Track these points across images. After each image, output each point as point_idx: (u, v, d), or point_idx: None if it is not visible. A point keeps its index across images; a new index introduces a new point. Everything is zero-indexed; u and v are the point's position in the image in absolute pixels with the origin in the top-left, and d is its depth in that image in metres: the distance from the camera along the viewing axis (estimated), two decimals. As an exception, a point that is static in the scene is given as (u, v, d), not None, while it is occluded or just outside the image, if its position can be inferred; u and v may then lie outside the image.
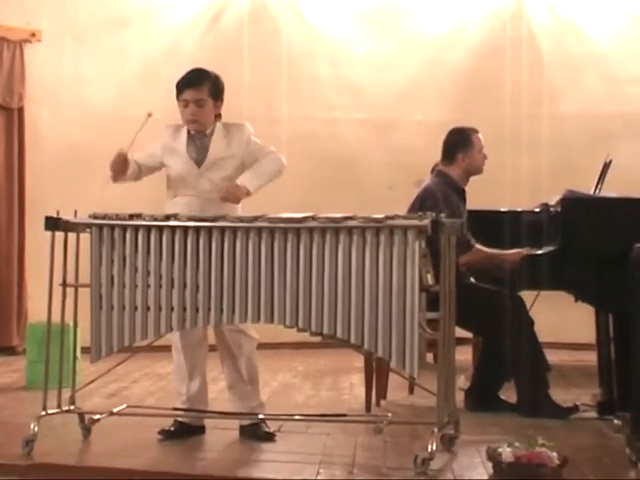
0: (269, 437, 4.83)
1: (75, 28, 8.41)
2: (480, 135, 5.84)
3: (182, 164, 4.90)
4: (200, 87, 4.85)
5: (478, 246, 5.67)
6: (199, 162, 4.88)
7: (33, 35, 8.20)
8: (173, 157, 4.93)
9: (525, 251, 5.71)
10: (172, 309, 4.49)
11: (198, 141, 4.91)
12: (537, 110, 8.70)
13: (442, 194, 5.62)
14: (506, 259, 5.68)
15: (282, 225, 4.36)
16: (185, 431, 4.89)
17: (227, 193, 4.79)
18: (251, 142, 4.93)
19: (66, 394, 4.78)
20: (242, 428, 4.93)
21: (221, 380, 5.24)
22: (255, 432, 4.86)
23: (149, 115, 4.82)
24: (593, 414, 5.43)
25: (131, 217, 4.55)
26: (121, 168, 4.86)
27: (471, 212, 5.82)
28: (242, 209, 4.92)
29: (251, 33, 8.73)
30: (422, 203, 5.55)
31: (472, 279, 5.71)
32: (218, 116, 4.96)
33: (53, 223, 4.60)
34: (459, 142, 5.80)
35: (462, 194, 5.80)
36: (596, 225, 5.52)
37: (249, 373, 4.93)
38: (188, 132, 4.93)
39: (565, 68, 8.81)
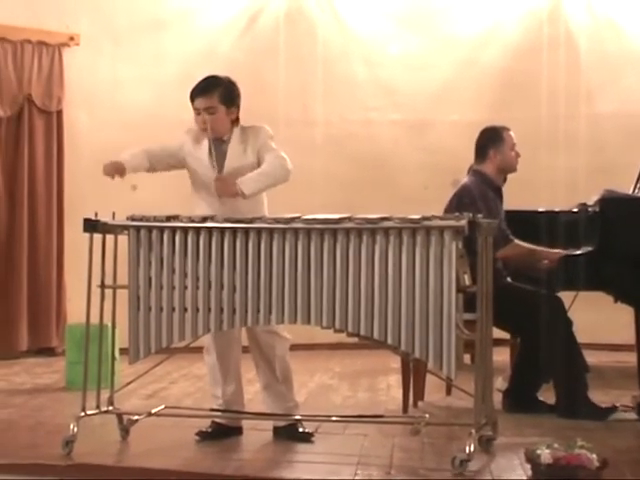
0: (306, 438, 4.84)
1: (113, 31, 8.46)
2: (512, 133, 5.82)
3: (204, 171, 4.90)
4: (210, 95, 4.84)
5: (517, 241, 5.64)
6: (220, 170, 4.88)
7: (71, 39, 8.27)
8: (195, 163, 4.93)
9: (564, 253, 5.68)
10: (209, 310, 4.51)
11: (218, 148, 4.90)
12: (574, 110, 8.65)
13: (479, 191, 5.62)
14: (547, 256, 5.64)
15: (319, 226, 4.37)
16: (222, 432, 4.90)
17: (218, 182, 4.76)
18: (264, 145, 4.88)
19: (105, 395, 4.81)
20: (276, 429, 4.94)
21: (257, 381, 5.24)
22: (291, 433, 4.87)
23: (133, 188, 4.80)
24: (633, 415, 5.38)
25: (168, 219, 4.57)
26: (117, 173, 4.82)
27: (508, 212, 5.80)
28: (271, 211, 4.92)
29: (287, 35, 8.75)
30: (459, 201, 5.55)
31: (509, 279, 5.69)
32: (236, 121, 4.95)
33: (91, 225, 4.64)
34: (490, 139, 5.79)
35: (498, 191, 5.78)
36: (635, 225, 5.49)
37: (283, 374, 4.94)
38: (209, 138, 4.94)
39: (603, 67, 8.74)
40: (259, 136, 4.91)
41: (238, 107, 4.94)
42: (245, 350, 5.01)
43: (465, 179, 5.82)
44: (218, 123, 4.87)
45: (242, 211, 4.72)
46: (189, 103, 4.91)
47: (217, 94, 4.85)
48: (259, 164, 4.85)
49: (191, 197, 5.01)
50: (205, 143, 4.92)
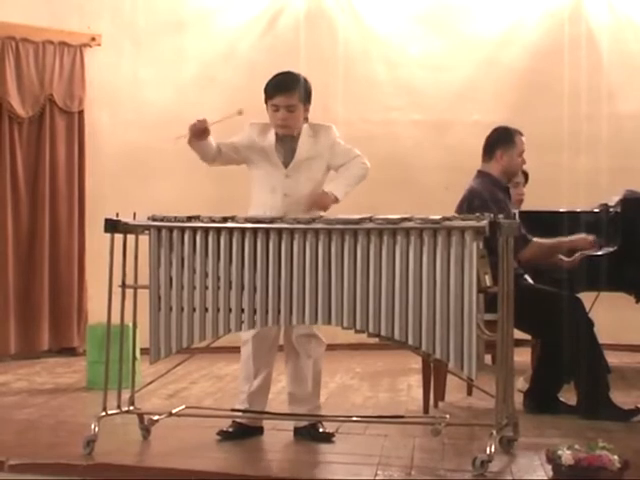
0: (326, 438, 4.83)
1: (134, 32, 8.48)
2: (524, 138, 5.75)
3: (270, 164, 4.91)
4: (292, 93, 4.84)
5: (535, 239, 5.61)
6: (286, 163, 4.89)
7: (93, 39, 8.29)
8: (261, 156, 4.93)
9: (592, 237, 5.63)
10: (230, 310, 4.51)
11: (286, 142, 4.91)
12: (596, 110, 8.61)
13: (489, 193, 5.56)
14: (571, 244, 5.61)
15: (339, 226, 4.36)
16: (243, 432, 4.90)
17: (314, 202, 4.81)
18: (336, 144, 4.95)
19: (126, 395, 4.83)
20: (297, 430, 4.93)
21: (279, 381, 5.25)
22: (312, 433, 4.86)
23: (239, 113, 4.83)
24: (654, 417, 5.37)
25: (189, 219, 4.57)
26: (198, 135, 4.81)
27: (529, 212, 5.78)
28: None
29: (307, 35, 8.73)
30: (469, 204, 5.50)
31: (530, 280, 5.67)
32: (306, 118, 4.97)
33: (112, 225, 4.65)
34: (500, 139, 5.72)
35: (507, 191, 5.72)
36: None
37: (314, 377, 4.94)
38: (276, 133, 4.94)
39: (624, 67, 8.71)
40: (330, 134, 4.96)
41: (310, 103, 4.96)
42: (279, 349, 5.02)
43: (471, 182, 5.74)
44: (296, 121, 4.89)
45: (303, 207, 4.80)
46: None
47: (298, 92, 4.86)
48: (330, 161, 4.92)
49: (252, 198, 4.99)
50: (271, 137, 4.93)
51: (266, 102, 4.90)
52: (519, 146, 5.71)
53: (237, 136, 5.02)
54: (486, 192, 5.57)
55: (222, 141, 4.98)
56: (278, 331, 4.91)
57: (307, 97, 4.92)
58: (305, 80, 4.94)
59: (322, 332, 4.89)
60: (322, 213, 4.84)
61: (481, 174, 5.72)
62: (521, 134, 5.74)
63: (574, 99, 8.58)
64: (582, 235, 5.69)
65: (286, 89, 4.84)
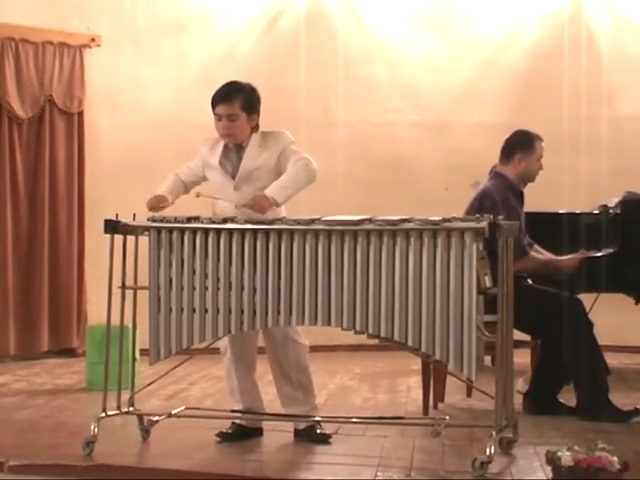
0: (324, 439, 4.83)
1: (134, 33, 8.49)
2: (543, 144, 5.75)
3: (218, 177, 4.92)
4: (232, 102, 4.83)
5: (533, 254, 5.60)
6: (233, 175, 4.88)
7: (93, 40, 8.29)
8: (210, 171, 4.96)
9: (580, 255, 5.65)
10: (229, 311, 4.51)
11: (234, 154, 4.90)
12: (595, 112, 8.61)
13: (501, 196, 5.56)
14: (562, 265, 5.63)
15: (339, 228, 4.36)
16: (243, 433, 4.91)
17: (253, 202, 4.72)
18: (286, 150, 4.87)
19: (125, 396, 4.83)
20: (297, 432, 4.94)
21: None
22: (310, 435, 4.86)
23: (197, 196, 4.88)
24: (654, 418, 5.37)
25: (189, 220, 4.57)
26: (156, 208, 4.86)
27: (529, 214, 5.78)
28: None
29: (308, 36, 8.74)
30: (480, 205, 5.50)
31: (530, 281, 5.66)
32: (255, 127, 4.94)
33: (112, 226, 4.65)
34: (520, 142, 5.71)
35: (520, 196, 5.73)
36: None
37: (299, 381, 4.93)
38: (225, 145, 4.93)
39: (624, 69, 8.71)
40: (280, 141, 4.89)
41: (258, 113, 4.93)
42: (263, 351, 5.02)
43: (486, 182, 5.76)
44: (239, 130, 4.87)
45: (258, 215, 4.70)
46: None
47: (239, 101, 4.84)
48: (280, 169, 4.84)
49: (212, 208, 5.00)
50: (219, 149, 4.93)
51: (213, 112, 4.90)
52: (538, 152, 5.71)
53: (193, 158, 5.07)
54: (498, 194, 5.56)
55: (182, 171, 5.05)
56: (256, 335, 4.91)
57: (251, 106, 4.88)
58: (251, 89, 4.91)
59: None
60: (278, 211, 4.80)
61: (497, 175, 5.71)
62: (541, 139, 5.73)
63: (574, 101, 8.59)
64: (575, 255, 5.69)
65: (225, 98, 4.84)
